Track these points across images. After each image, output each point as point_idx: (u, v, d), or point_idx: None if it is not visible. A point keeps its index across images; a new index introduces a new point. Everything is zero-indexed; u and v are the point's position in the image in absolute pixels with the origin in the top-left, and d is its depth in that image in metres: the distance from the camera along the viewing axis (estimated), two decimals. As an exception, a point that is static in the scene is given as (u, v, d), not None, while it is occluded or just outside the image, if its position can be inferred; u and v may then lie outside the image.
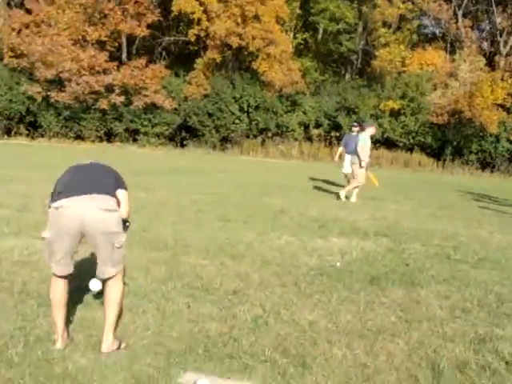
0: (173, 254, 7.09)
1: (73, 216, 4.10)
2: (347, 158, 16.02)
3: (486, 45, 44.11)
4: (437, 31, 44.66)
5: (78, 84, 33.09)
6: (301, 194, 15.22)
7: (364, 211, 12.60)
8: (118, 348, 4.22)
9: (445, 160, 34.81)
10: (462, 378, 4.08)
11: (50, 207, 4.24)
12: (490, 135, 34.18)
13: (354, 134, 16.17)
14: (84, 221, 4.10)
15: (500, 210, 15.17)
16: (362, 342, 4.60)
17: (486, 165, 35.09)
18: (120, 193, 4.46)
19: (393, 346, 4.57)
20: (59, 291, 4.31)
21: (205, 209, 11.12)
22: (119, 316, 4.46)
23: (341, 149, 17.09)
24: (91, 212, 4.12)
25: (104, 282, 4.35)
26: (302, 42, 40.92)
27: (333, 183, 18.67)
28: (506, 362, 4.37)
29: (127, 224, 4.48)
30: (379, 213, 12.50)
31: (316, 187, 17.63)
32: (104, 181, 4.39)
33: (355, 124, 16.30)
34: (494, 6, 38.37)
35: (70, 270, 4.32)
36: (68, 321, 4.49)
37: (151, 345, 4.35)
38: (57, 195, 4.21)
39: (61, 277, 4.30)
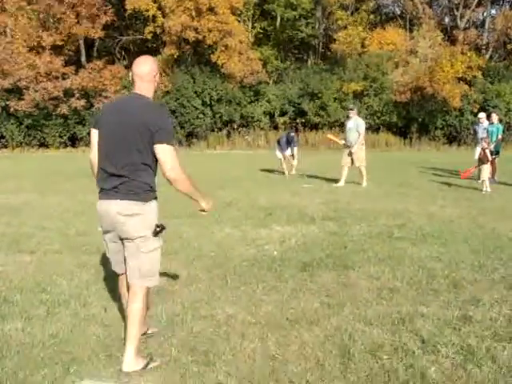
0: (103, 257, 6.88)
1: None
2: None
3: (447, 20, 44.26)
4: (395, 10, 44.71)
5: (36, 91, 32.62)
6: (257, 184, 15.06)
7: (318, 196, 12.49)
8: (145, 367, 3.90)
9: (411, 138, 34.92)
10: (373, 361, 3.94)
11: None
12: (454, 109, 34.40)
13: (292, 134, 17.95)
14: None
15: (458, 183, 15.13)
16: (277, 333, 4.45)
17: (452, 139, 35.30)
18: (157, 148, 3.83)
19: (308, 334, 4.42)
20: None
21: (152, 207, 10.90)
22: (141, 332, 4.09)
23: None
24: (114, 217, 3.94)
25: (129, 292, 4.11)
26: (262, 30, 40.60)
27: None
28: (423, 341, 4.25)
29: (158, 229, 3.98)
30: (333, 196, 12.41)
31: (275, 175, 17.47)
32: (132, 161, 3.85)
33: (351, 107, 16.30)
34: (448, -20, 38.51)
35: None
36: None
37: (55, 353, 4.16)
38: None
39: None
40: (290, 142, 17.63)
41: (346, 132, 15.15)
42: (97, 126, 4.04)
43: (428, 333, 4.38)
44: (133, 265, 3.98)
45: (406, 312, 4.85)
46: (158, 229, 3.96)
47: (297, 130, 18.08)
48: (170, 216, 9.86)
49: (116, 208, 3.88)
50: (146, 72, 3.99)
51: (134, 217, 3.87)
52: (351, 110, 15.68)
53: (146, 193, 3.92)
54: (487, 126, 16.17)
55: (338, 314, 4.84)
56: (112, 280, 5.92)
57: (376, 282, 5.76)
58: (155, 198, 4.02)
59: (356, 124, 14.93)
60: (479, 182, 14.25)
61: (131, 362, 3.90)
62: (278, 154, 17.71)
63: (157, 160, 3.87)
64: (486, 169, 13.84)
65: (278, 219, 9.48)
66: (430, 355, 4.02)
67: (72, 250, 7.34)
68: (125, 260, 4.06)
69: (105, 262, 6.70)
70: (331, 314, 4.84)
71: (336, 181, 15.03)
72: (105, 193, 3.95)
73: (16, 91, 32.98)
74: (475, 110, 33.52)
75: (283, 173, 17.53)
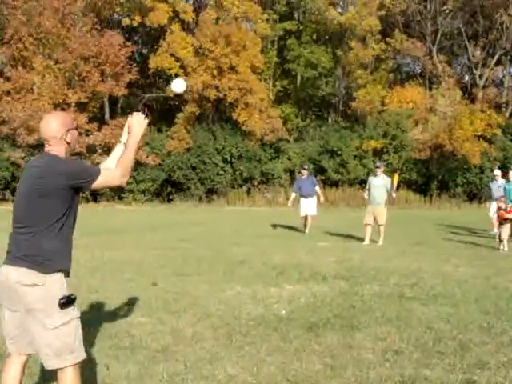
0: (111, 314, 6.91)
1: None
2: (303, 201, 17.46)
3: (466, 78, 44.58)
4: (414, 69, 45.18)
5: (60, 147, 33.19)
6: (273, 241, 15.06)
7: (332, 254, 12.45)
8: None
9: (431, 195, 34.83)
10: (370, 426, 3.89)
11: None
12: (474, 167, 34.32)
13: (304, 177, 17.84)
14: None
15: (476, 242, 15.02)
16: (277, 395, 4.41)
17: (472, 197, 35.18)
18: (95, 187, 3.60)
19: (307, 396, 4.38)
20: None
21: (165, 264, 10.93)
22: None
23: (294, 195, 18.25)
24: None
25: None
26: (282, 89, 41.28)
27: (312, 227, 18.48)
28: (423, 406, 4.18)
29: (62, 301, 3.47)
30: (347, 254, 12.35)
31: (293, 232, 17.45)
32: (32, 223, 3.47)
33: (379, 165, 16.00)
34: (466, 40, 38.91)
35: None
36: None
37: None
38: None
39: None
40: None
41: (371, 189, 14.99)
42: None
43: (430, 397, 4.32)
44: (41, 344, 3.51)
45: (408, 375, 4.77)
46: (62, 301, 3.45)
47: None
48: (179, 274, 9.91)
49: (15, 276, 3.44)
50: (49, 135, 3.59)
51: (34, 287, 3.41)
52: (378, 167, 15.51)
53: (48, 261, 3.46)
54: (501, 183, 16.08)
55: (339, 376, 4.79)
56: (116, 338, 5.94)
57: (381, 343, 5.70)
58: (60, 271, 3.53)
59: (384, 182, 14.92)
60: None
61: None
62: (303, 211, 17.55)
63: (63, 223, 3.50)
64: (506, 228, 13.70)
65: (289, 278, 9.46)
66: (430, 421, 3.95)
67: (80, 306, 7.35)
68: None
69: (111, 318, 6.73)
70: (333, 376, 4.79)
71: (360, 240, 15.00)
72: (7, 257, 3.54)
73: (40, 147, 33.53)
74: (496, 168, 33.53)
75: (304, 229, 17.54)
